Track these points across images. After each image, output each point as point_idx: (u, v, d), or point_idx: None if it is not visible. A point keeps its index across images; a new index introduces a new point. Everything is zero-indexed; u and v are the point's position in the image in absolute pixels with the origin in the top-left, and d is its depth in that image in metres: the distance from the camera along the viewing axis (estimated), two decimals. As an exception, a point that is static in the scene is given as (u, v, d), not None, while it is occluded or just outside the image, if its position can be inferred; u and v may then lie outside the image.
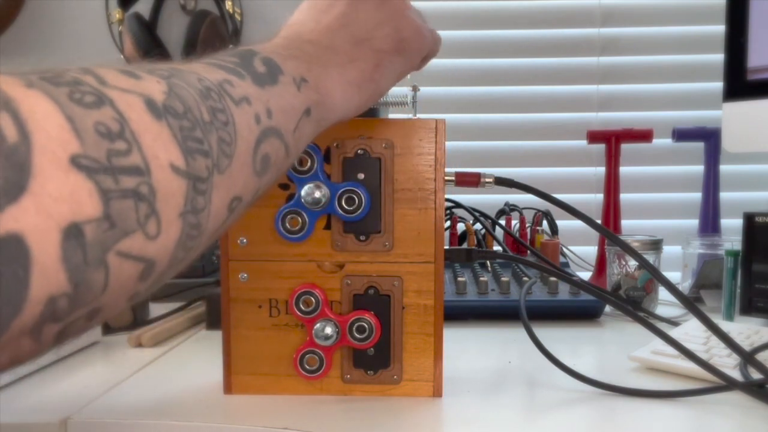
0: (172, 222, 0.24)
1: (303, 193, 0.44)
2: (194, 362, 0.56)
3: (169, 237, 0.24)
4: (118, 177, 0.21)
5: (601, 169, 0.92)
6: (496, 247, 0.87)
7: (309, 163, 0.44)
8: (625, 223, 0.92)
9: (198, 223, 0.26)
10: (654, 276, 0.61)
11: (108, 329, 0.66)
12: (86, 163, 0.20)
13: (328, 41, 0.37)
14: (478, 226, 0.89)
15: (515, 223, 0.92)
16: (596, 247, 0.92)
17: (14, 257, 0.18)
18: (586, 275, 0.92)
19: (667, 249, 0.76)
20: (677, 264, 0.89)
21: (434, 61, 1.20)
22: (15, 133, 0.19)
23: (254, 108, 0.30)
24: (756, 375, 0.45)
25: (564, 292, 0.73)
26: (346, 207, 0.44)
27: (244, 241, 0.46)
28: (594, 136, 0.90)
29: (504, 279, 0.73)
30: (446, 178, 0.46)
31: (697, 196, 0.96)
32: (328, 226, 0.46)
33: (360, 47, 0.38)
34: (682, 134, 0.93)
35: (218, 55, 0.32)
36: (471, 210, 0.88)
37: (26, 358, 0.22)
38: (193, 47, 0.97)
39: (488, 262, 0.84)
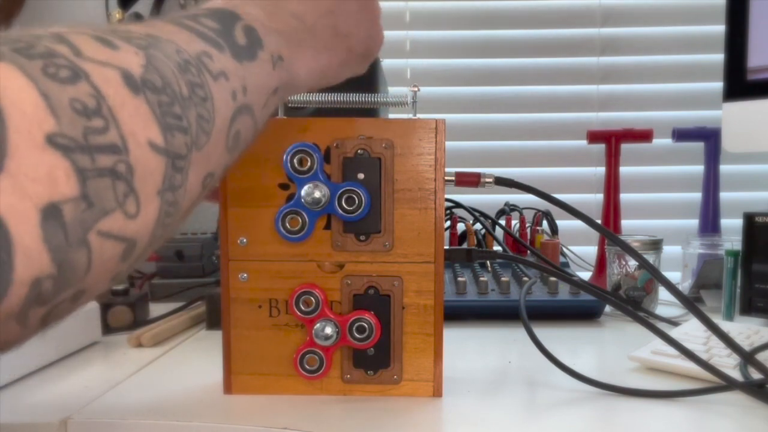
0: (151, 200, 0.24)
1: (303, 193, 0.44)
2: (194, 362, 0.56)
3: (149, 215, 0.24)
4: (95, 155, 0.21)
5: (601, 169, 0.92)
6: (496, 247, 0.87)
7: (309, 163, 0.44)
8: (625, 223, 0.92)
9: (175, 201, 0.26)
10: (654, 276, 0.61)
11: (108, 329, 0.66)
12: (62, 141, 0.20)
13: (311, 21, 0.37)
14: (478, 226, 0.89)
15: (515, 223, 0.92)
16: (596, 247, 0.92)
17: None
18: (586, 275, 0.92)
19: (667, 249, 0.76)
20: (677, 264, 0.89)
21: (434, 61, 1.20)
22: None
23: (231, 84, 0.30)
24: (756, 375, 0.45)
25: (564, 292, 0.73)
26: (346, 207, 0.44)
27: (244, 241, 0.46)
28: (594, 136, 0.90)
29: (504, 279, 0.73)
30: (446, 178, 0.46)
31: (697, 196, 0.96)
32: (328, 226, 0.46)
33: (337, 39, 0.39)
34: (682, 134, 0.93)
35: (199, 14, 0.31)
36: (471, 210, 0.88)
37: (13, 343, 0.21)
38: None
39: (488, 262, 0.84)
